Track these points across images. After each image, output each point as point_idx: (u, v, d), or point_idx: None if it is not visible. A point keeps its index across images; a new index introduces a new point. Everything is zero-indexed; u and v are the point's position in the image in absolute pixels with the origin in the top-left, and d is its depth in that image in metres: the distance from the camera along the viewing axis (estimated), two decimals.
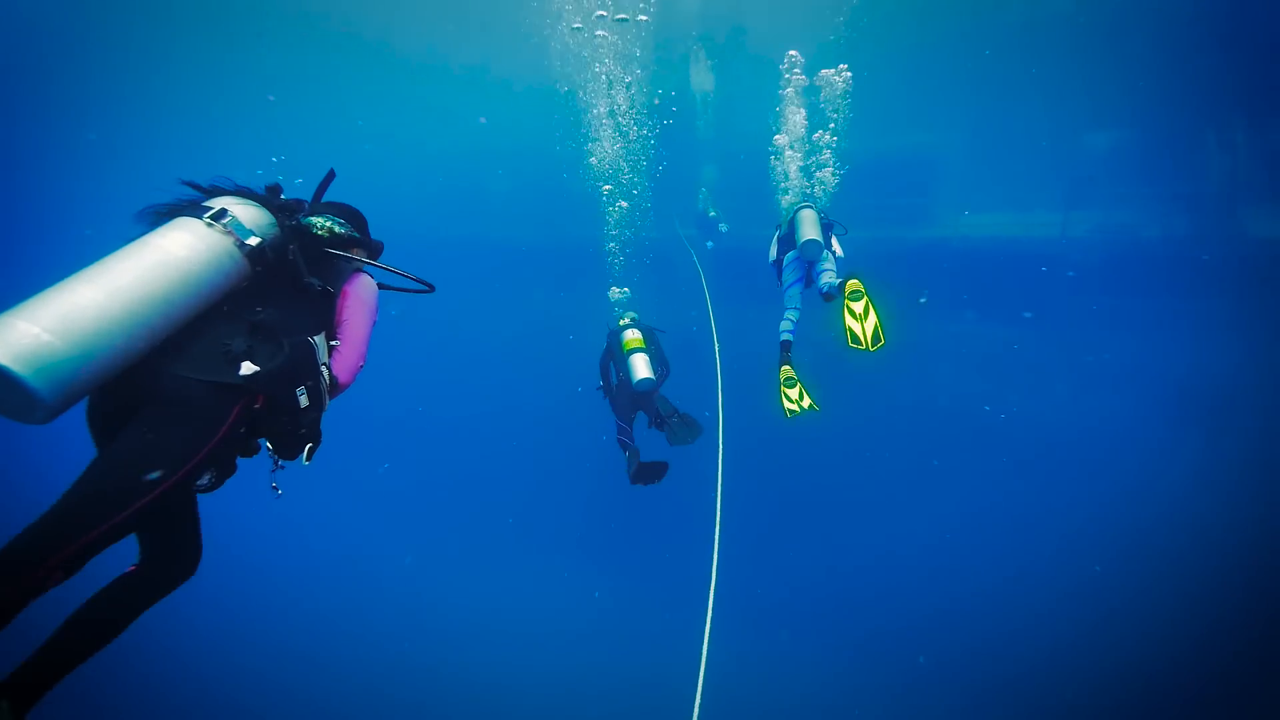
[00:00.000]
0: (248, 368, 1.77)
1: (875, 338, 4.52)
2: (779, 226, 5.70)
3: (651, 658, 9.86)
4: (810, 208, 5.26)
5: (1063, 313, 11.29)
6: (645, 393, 5.37)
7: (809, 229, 5.06)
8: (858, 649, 10.76)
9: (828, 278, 5.08)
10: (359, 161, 19.29)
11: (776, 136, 9.04)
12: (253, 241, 1.90)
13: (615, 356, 5.53)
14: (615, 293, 8.82)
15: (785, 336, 5.23)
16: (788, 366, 5.09)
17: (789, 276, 5.36)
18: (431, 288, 2.40)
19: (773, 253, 5.68)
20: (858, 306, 4.57)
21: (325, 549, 13.36)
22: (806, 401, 5.05)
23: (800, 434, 13.48)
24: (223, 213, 1.87)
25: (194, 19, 14.58)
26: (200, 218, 1.84)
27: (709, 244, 12.26)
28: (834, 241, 5.33)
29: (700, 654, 2.88)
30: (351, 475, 15.27)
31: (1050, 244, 11.11)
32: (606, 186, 12.16)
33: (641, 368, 5.23)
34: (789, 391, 5.06)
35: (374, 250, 2.53)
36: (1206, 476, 10.17)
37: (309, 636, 10.59)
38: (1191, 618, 9.37)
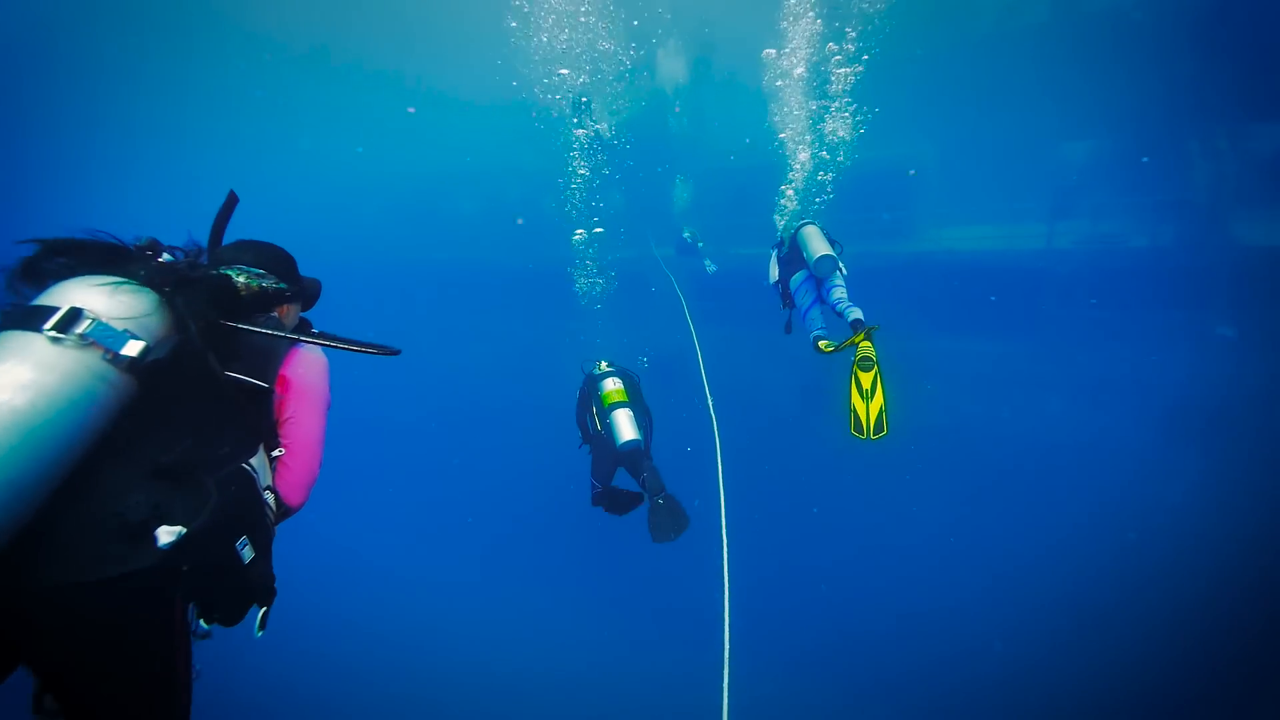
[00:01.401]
0: (167, 534, 1.15)
1: (879, 425, 4.07)
2: (777, 246, 5.26)
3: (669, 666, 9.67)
4: (813, 224, 4.87)
5: (1051, 326, 10.98)
6: (630, 453, 4.72)
7: (820, 245, 4.66)
8: (859, 665, 10.48)
9: (839, 293, 4.68)
10: (319, 182, 18.89)
11: (767, 51, 7.98)
12: (132, 349, 1.22)
13: (593, 409, 4.91)
14: (580, 235, 8.10)
15: (817, 333, 4.69)
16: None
17: (803, 300, 4.89)
18: (396, 351, 1.78)
19: (773, 274, 5.23)
20: (866, 378, 4.12)
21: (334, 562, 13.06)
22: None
23: (792, 452, 13.21)
24: (75, 315, 1.19)
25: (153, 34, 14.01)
26: (40, 331, 1.16)
27: (711, 268, 11.75)
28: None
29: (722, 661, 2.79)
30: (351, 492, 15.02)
31: (1036, 256, 10.82)
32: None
33: (626, 428, 4.60)
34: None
35: (309, 297, 1.86)
36: (1201, 491, 9.89)
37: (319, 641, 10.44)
38: (1186, 635, 9.14)
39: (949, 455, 11.80)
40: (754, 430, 12.99)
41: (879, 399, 4.13)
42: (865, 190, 13.41)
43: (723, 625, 2.99)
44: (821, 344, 4.58)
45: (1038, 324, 11.06)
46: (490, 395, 16.56)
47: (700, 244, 12.40)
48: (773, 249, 5.37)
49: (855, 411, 4.20)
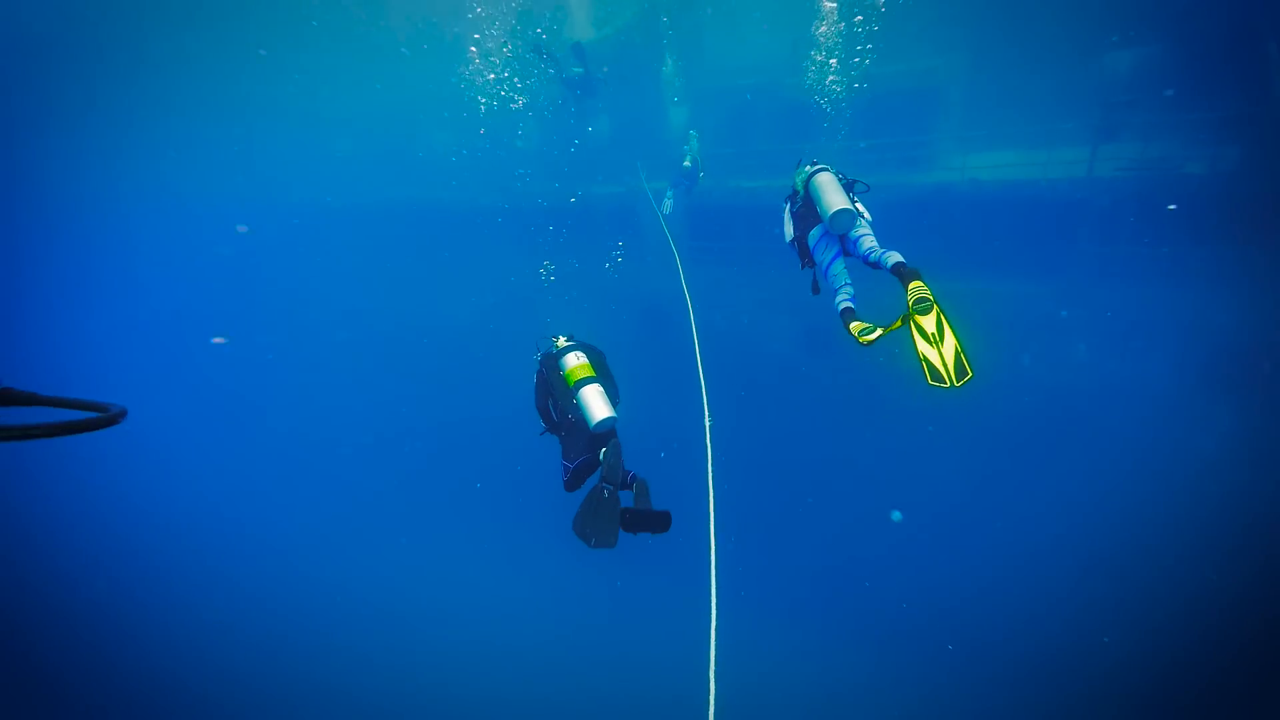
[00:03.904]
0: None
1: (960, 367, 3.42)
2: (790, 199, 4.71)
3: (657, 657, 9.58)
4: (826, 170, 4.35)
5: (1084, 264, 9.85)
6: (607, 432, 4.19)
7: (834, 196, 4.12)
8: (871, 631, 10.27)
9: (868, 243, 4.06)
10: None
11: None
12: None
13: (555, 389, 4.36)
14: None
15: (844, 304, 4.09)
16: (856, 322, 3.95)
17: (823, 255, 4.30)
18: (113, 415, 0.96)
19: (788, 231, 4.68)
20: (928, 322, 3.47)
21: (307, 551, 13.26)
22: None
23: (792, 405, 12.49)
24: None
25: None
26: None
27: (667, 203, 10.81)
28: (858, 204, 4.34)
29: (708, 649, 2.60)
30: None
31: (1074, 186, 9.53)
32: None
33: (598, 405, 4.09)
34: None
35: None
36: (1246, 448, 9.06)
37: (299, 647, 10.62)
38: (1222, 595, 8.62)
39: (961, 406, 10.98)
40: (750, 383, 12.20)
41: (951, 339, 3.47)
42: (880, 112, 12.01)
43: (709, 619, 2.69)
44: (855, 328, 3.87)
45: (1069, 262, 9.92)
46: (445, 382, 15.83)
47: (702, 174, 11.28)
48: (785, 202, 4.83)
49: (926, 360, 3.54)
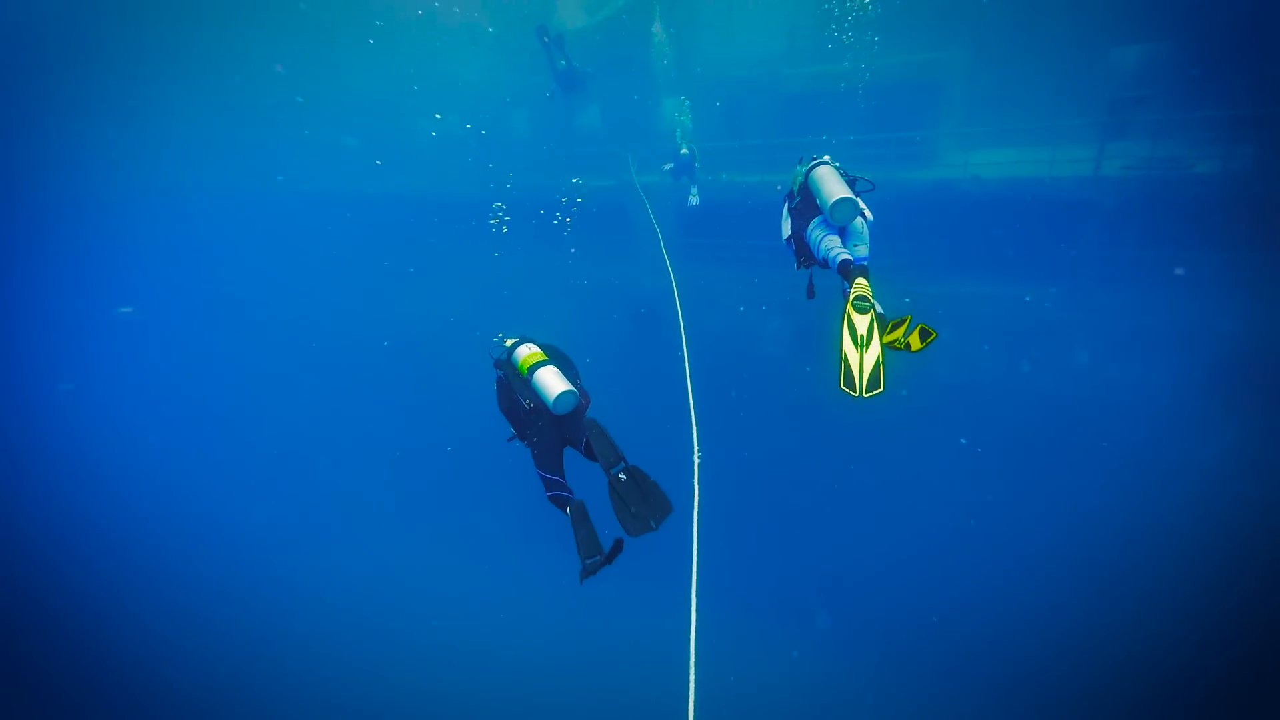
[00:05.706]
0: None
1: (873, 380, 3.21)
2: (788, 197, 4.58)
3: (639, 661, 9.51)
4: (827, 163, 4.19)
5: (1088, 267, 9.56)
6: (570, 415, 3.92)
7: (836, 186, 3.92)
8: (864, 637, 10.08)
9: (861, 251, 3.91)
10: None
11: None
12: None
13: (514, 384, 4.14)
14: None
15: (842, 255, 3.76)
16: (862, 280, 3.49)
17: (818, 235, 4.06)
18: None
19: (785, 229, 4.53)
20: (861, 322, 3.22)
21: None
22: (873, 355, 3.38)
23: (784, 408, 12.19)
24: None
25: None
26: None
27: (693, 191, 10.51)
28: (860, 203, 4.08)
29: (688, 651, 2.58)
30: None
31: (1079, 185, 9.21)
32: None
33: (554, 382, 3.83)
34: (857, 319, 3.41)
35: None
36: (1248, 457, 8.81)
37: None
38: (1221, 602, 8.41)
39: (957, 413, 10.72)
40: (742, 386, 11.90)
41: (875, 350, 3.30)
42: (878, 106, 11.67)
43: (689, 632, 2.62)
44: (860, 288, 3.48)
45: (1072, 264, 9.62)
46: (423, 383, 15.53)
47: (698, 164, 10.97)
48: (783, 200, 4.62)
49: (846, 362, 3.33)
